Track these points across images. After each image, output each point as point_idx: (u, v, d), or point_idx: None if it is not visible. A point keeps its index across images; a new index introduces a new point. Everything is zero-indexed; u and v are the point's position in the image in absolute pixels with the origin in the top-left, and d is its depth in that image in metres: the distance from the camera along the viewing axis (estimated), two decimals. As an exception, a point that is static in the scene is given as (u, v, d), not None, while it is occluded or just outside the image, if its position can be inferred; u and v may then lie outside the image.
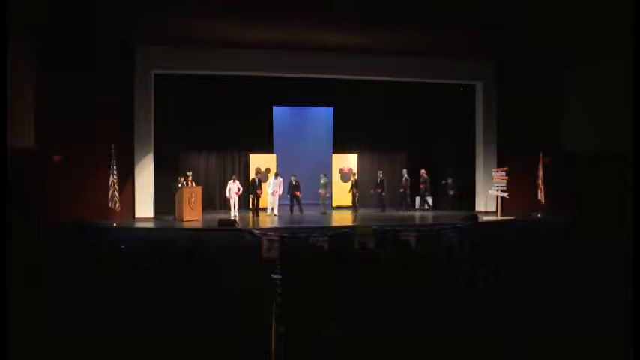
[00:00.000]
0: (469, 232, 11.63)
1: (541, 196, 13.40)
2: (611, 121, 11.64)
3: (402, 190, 15.60)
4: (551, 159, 13.52)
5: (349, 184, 15.35)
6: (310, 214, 14.50)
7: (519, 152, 14.38)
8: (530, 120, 14.30)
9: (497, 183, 14.17)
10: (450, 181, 15.74)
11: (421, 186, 15.64)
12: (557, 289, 4.41)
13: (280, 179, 14.49)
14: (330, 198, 15.53)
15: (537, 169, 13.47)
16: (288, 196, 14.57)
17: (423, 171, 15.76)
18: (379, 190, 15.28)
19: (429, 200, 15.89)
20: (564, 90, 13.77)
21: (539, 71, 13.93)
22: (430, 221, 13.38)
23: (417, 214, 15.16)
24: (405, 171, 15.83)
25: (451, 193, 15.67)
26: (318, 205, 15.01)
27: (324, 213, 14.60)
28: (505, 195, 13.84)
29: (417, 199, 15.93)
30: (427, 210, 15.60)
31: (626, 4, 6.54)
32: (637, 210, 4.39)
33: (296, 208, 14.46)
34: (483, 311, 4.11)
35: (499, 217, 13.83)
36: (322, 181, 14.91)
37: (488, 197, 14.79)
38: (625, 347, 3.41)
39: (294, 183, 14.62)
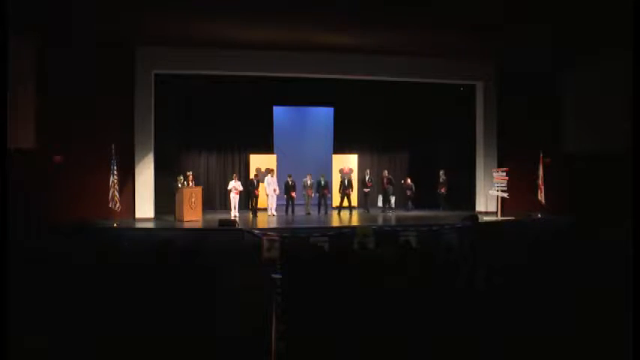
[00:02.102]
0: (469, 232, 11.63)
1: (541, 196, 13.40)
2: (611, 121, 11.65)
3: (365, 190, 15.49)
4: (551, 159, 13.53)
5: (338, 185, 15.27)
6: (309, 215, 14.53)
7: (519, 152, 14.38)
8: (530, 120, 14.30)
9: (497, 183, 14.18)
10: (408, 180, 15.68)
11: (386, 186, 15.50)
12: (557, 289, 4.41)
13: (275, 178, 14.52)
14: (331, 198, 15.49)
15: (537, 169, 13.48)
16: (285, 196, 14.59)
17: (385, 172, 15.64)
18: (349, 192, 15.08)
19: (392, 200, 15.66)
20: (564, 90, 13.78)
21: (539, 71, 13.93)
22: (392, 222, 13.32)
23: (379, 214, 15.07)
24: (367, 171, 15.76)
25: (408, 193, 15.61)
26: (318, 205, 14.98)
27: (308, 213, 14.61)
28: (505, 195, 13.84)
29: (380, 199, 15.84)
30: (388, 210, 15.31)
31: (626, 4, 6.54)
32: (637, 210, 4.39)
33: (290, 209, 14.50)
34: (483, 311, 4.11)
35: (499, 217, 13.83)
36: (309, 182, 14.89)
37: (489, 197, 14.80)
38: (625, 347, 3.41)
39: (290, 183, 14.63)
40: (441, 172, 15.63)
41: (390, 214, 14.98)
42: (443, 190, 15.54)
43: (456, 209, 15.12)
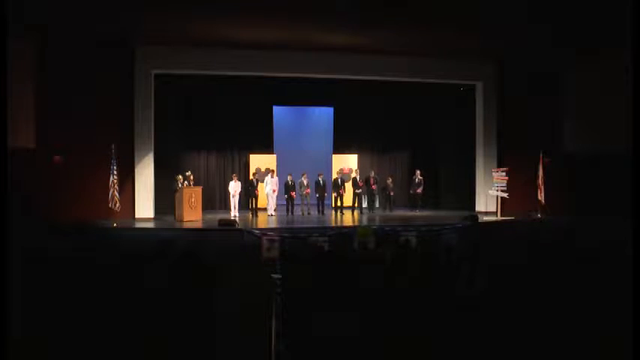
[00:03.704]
0: (469, 232, 11.62)
1: (541, 196, 13.40)
2: (611, 121, 11.64)
3: (357, 191, 15.45)
4: (551, 159, 13.52)
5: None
6: (309, 215, 14.52)
7: (519, 152, 14.38)
8: (530, 120, 14.31)
9: (497, 183, 14.18)
10: (389, 181, 15.66)
11: (372, 187, 15.48)
12: (557, 289, 4.41)
13: (276, 178, 14.51)
14: (329, 198, 15.47)
15: (537, 169, 13.48)
16: (285, 196, 14.58)
17: (372, 172, 15.64)
18: (341, 192, 15.05)
19: (376, 201, 15.68)
20: (564, 90, 13.78)
21: (539, 71, 13.93)
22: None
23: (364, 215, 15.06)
24: (357, 171, 15.74)
25: (391, 193, 15.60)
26: (317, 205, 14.97)
27: (309, 213, 14.61)
28: (505, 195, 13.84)
29: (364, 199, 15.77)
30: (372, 211, 15.32)
31: (626, 4, 6.54)
32: (637, 210, 4.39)
33: (290, 209, 14.50)
34: (483, 311, 4.11)
35: (499, 217, 13.83)
36: (305, 182, 14.88)
37: (488, 197, 14.79)
38: (625, 347, 3.41)
39: (290, 183, 14.62)
40: (417, 173, 15.64)
41: (374, 213, 15.01)
42: (419, 191, 15.55)
43: (434, 209, 15.30)
